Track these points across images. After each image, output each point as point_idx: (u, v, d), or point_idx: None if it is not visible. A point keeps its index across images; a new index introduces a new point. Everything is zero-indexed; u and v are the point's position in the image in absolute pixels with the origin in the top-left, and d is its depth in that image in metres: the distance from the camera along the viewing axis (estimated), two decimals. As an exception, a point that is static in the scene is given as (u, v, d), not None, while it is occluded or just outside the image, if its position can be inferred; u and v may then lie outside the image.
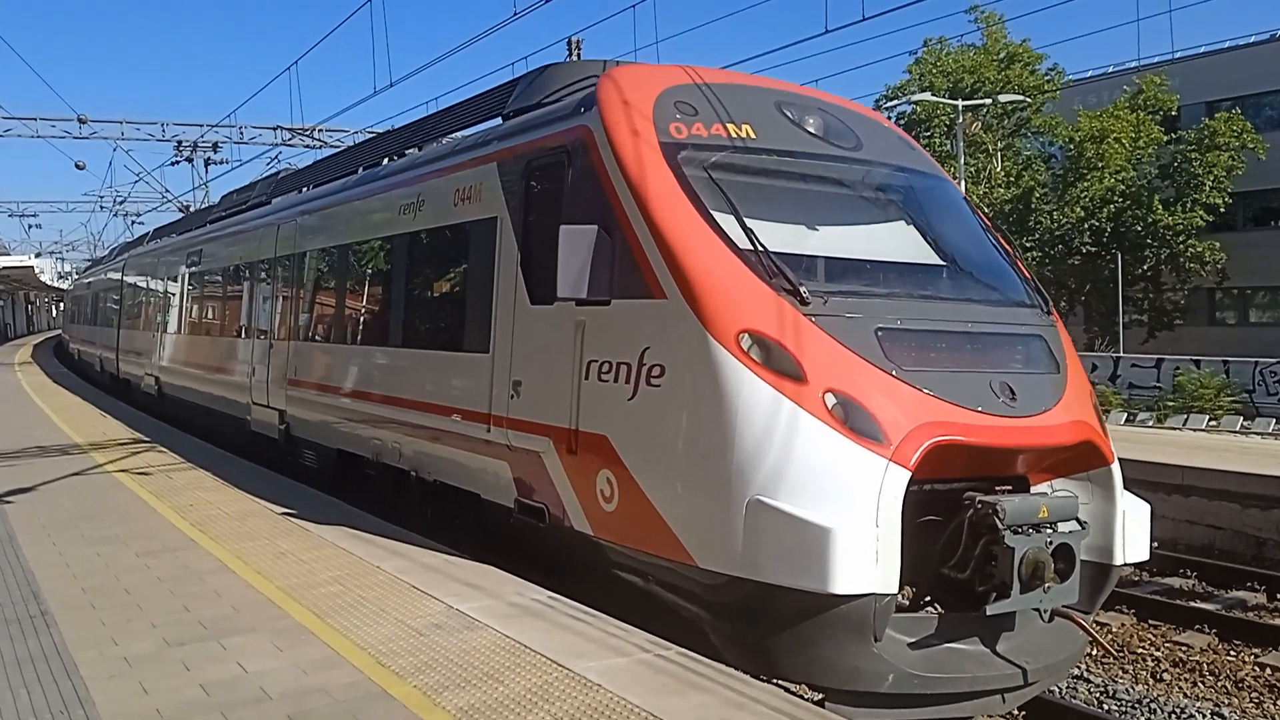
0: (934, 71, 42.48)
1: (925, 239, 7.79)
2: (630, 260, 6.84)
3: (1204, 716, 8.11)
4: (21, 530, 9.07)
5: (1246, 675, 9.00)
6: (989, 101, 38.69)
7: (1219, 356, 30.56)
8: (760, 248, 6.57)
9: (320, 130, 31.64)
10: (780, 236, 6.86)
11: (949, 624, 6.31)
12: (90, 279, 39.65)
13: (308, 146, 32.12)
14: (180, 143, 35.58)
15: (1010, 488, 6.50)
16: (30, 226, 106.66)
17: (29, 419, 18.93)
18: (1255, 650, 9.51)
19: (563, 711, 4.90)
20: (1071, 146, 40.04)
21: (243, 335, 15.75)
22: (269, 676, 5.41)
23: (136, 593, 7.06)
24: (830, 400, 6.04)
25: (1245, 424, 24.02)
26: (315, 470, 12.28)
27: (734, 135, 7.37)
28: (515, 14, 15.77)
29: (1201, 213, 38.06)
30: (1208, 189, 37.87)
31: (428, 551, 8.25)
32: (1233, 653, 9.54)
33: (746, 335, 6.25)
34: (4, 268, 56.15)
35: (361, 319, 12.03)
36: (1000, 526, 6.00)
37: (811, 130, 7.75)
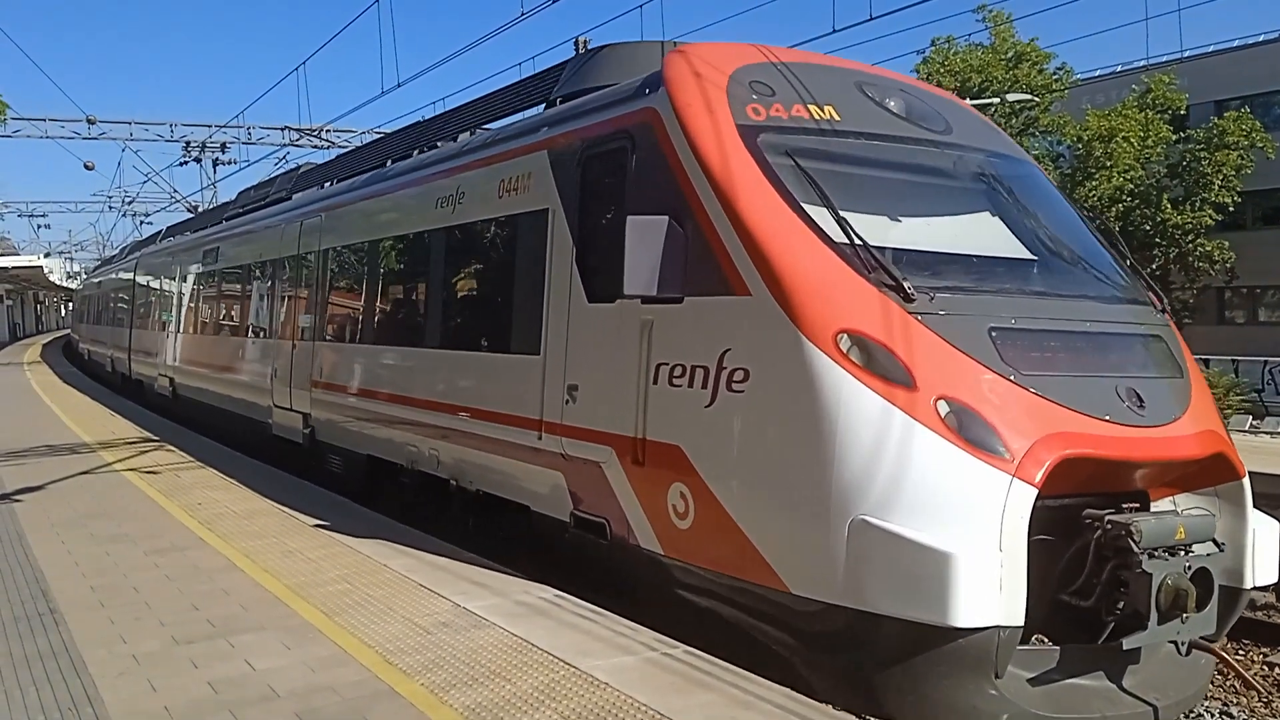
0: (941, 71, 42.34)
1: (1026, 231, 7.15)
2: (707, 253, 6.29)
3: (1212, 716, 8.08)
4: (30, 529, 9.10)
5: (1255, 674, 8.97)
6: (997, 101, 38.58)
7: (1228, 355, 30.46)
8: (857, 239, 5.99)
9: (328, 130, 31.70)
10: (874, 228, 6.23)
11: (1072, 658, 5.62)
12: (100, 278, 38.92)
13: (315, 147, 32.17)
14: (189, 143, 35.71)
15: (1135, 505, 5.86)
16: (39, 226, 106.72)
17: (38, 418, 18.99)
18: (1264, 650, 9.48)
19: (570, 710, 4.90)
20: (1080, 146, 39.89)
21: (263, 335, 15.28)
22: (277, 674, 5.42)
23: (145, 591, 7.08)
24: (943, 409, 5.45)
25: (1254, 423, 23.93)
26: (341, 476, 11.82)
27: (816, 117, 6.82)
28: (522, 14, 15.78)
29: (1210, 212, 37.92)
30: (1216, 188, 37.73)
31: (432, 551, 8.26)
32: (1241, 651, 9.50)
33: (845, 336, 5.66)
34: (13, 268, 56.35)
35: (394, 318, 11.45)
36: (1135, 549, 5.35)
37: (898, 112, 7.21)
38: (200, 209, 32.24)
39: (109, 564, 7.84)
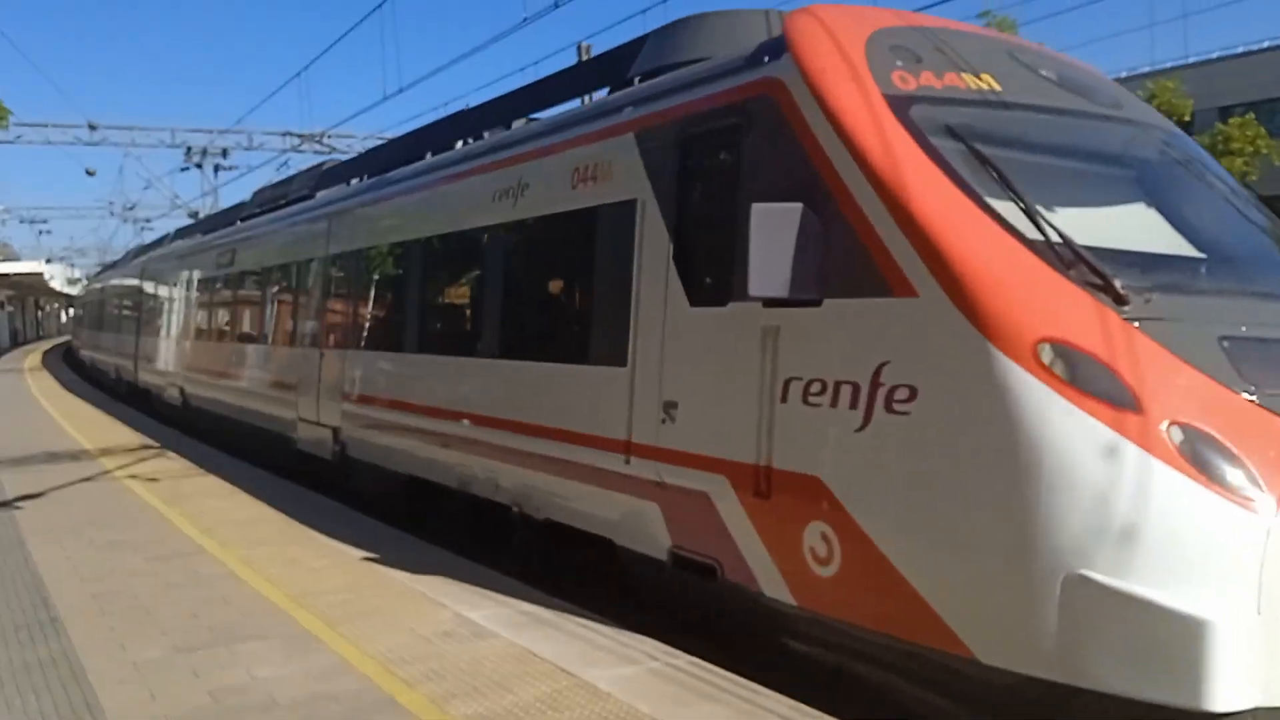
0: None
1: (1229, 222, 6.22)
2: (855, 246, 5.32)
3: None
4: (31, 535, 9.07)
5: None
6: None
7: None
8: (1049, 229, 5.04)
9: (329, 136, 31.75)
10: (1060, 216, 5.25)
11: None
12: (104, 283, 37.90)
13: (317, 152, 32.21)
14: (190, 149, 35.80)
15: None
16: (41, 232, 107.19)
17: (39, 424, 18.98)
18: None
19: (573, 720, 4.87)
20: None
21: (287, 343, 14.31)
22: (278, 683, 5.39)
23: (145, 598, 7.05)
24: (1177, 436, 4.43)
25: None
26: (375, 497, 10.97)
27: (973, 87, 5.94)
28: (525, 19, 15.88)
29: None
30: (1219, 194, 37.76)
31: (435, 560, 8.23)
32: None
33: (1048, 346, 4.65)
34: (14, 274, 56.41)
35: (442, 325, 10.37)
36: None
37: (1061, 83, 6.32)
38: (201, 214, 32.18)
39: (109, 571, 7.81)
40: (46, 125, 33.34)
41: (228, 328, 17.93)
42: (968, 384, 4.78)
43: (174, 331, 21.66)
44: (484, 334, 9.08)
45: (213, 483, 12.10)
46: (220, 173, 37.52)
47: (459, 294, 10.26)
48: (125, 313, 28.80)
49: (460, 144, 10.84)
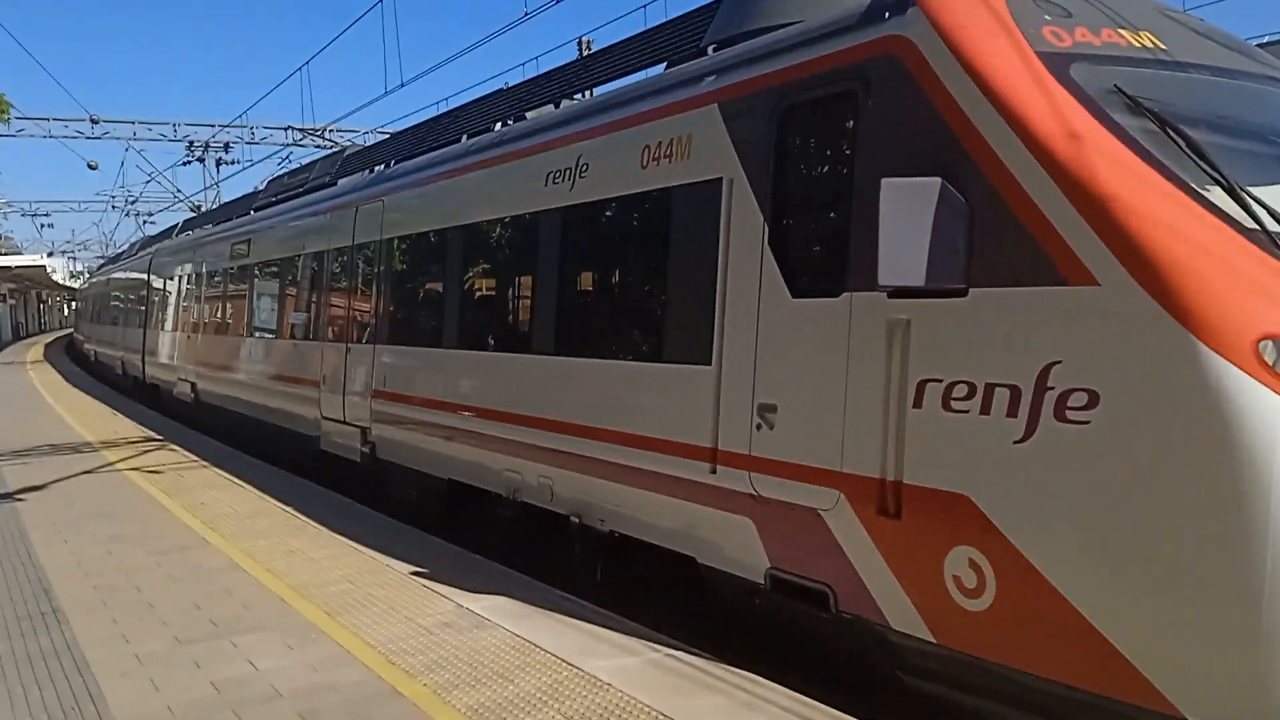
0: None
1: None
2: (1013, 226, 4.61)
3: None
4: (33, 528, 9.10)
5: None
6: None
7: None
8: (1260, 209, 4.40)
9: (331, 130, 31.71)
10: (1269, 196, 4.60)
11: None
12: (109, 275, 36.42)
13: (319, 147, 32.18)
14: (192, 143, 35.79)
15: None
16: (42, 226, 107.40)
17: (41, 417, 19.00)
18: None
19: (573, 711, 4.89)
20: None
21: (309, 337, 13.39)
22: (279, 674, 5.42)
23: (147, 590, 7.08)
24: None
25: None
26: (408, 501, 10.34)
27: (1136, 45, 5.27)
28: (526, 14, 15.86)
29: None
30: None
31: (437, 550, 8.26)
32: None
33: (1272, 344, 3.97)
34: (16, 267, 56.43)
35: (489, 318, 9.44)
36: None
37: (1225, 44, 5.68)
38: (203, 208, 32.14)
39: (111, 563, 7.84)
40: (48, 119, 33.34)
41: (243, 321, 16.82)
42: (1169, 388, 4.04)
43: (184, 325, 20.85)
44: (535, 329, 8.26)
45: (215, 475, 12.13)
46: (222, 167, 37.53)
47: (507, 285, 9.28)
48: (132, 305, 27.94)
49: (498, 126, 10.15)
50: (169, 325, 22.29)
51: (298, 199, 15.54)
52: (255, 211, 18.07)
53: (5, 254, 63.72)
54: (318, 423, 12.48)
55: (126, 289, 29.53)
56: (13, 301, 72.14)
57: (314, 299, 13.42)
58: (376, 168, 13.06)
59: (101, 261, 51.97)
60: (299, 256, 14.18)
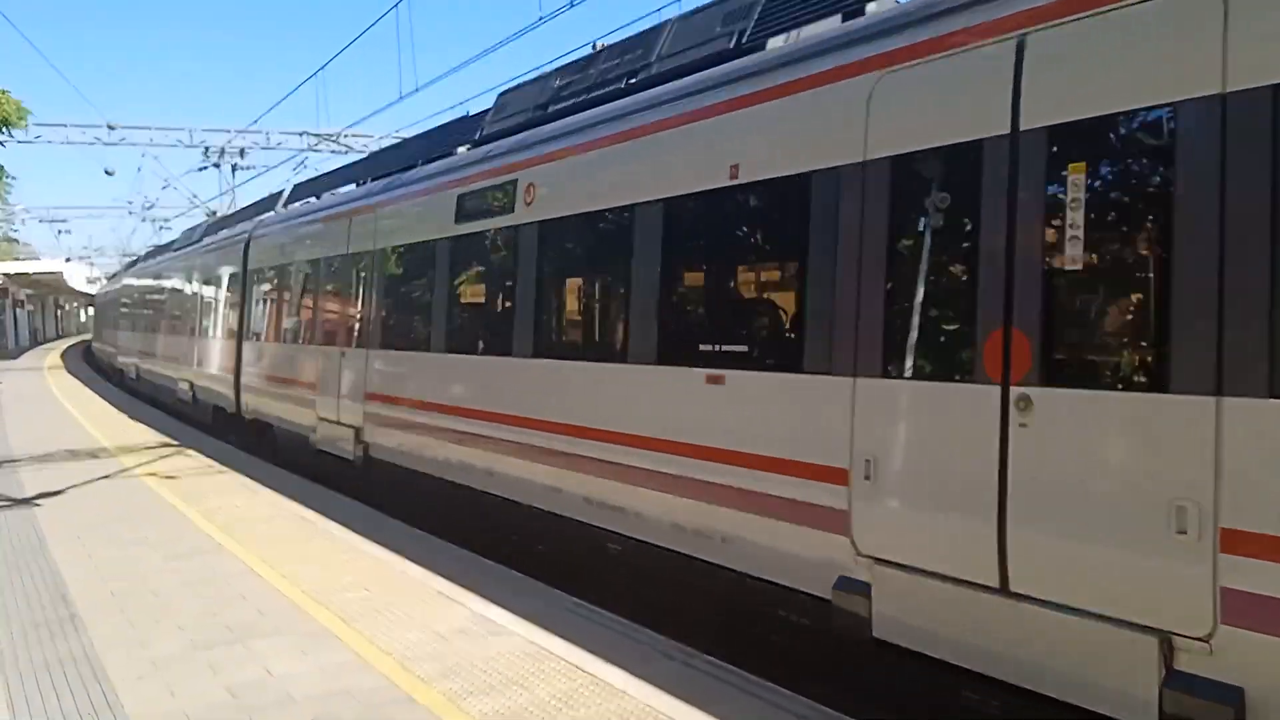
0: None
1: None
2: None
3: None
4: (51, 533, 9.14)
5: None
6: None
7: None
8: None
9: (346, 135, 31.82)
10: None
11: None
12: (158, 267, 28.49)
13: (334, 152, 32.31)
14: (208, 148, 35.91)
15: None
16: (60, 232, 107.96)
17: (58, 422, 19.10)
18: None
19: (587, 718, 4.87)
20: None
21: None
22: (294, 680, 5.42)
23: (164, 595, 7.09)
24: None
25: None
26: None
27: None
28: (540, 17, 15.87)
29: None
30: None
31: (452, 556, 8.26)
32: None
33: None
34: (34, 273, 56.82)
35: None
36: None
37: None
38: (219, 214, 32.13)
39: (128, 568, 7.86)
40: (65, 125, 33.44)
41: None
42: None
43: (360, 336, 12.28)
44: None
45: (231, 480, 12.17)
46: (238, 172, 37.67)
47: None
48: (208, 307, 20.20)
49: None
50: (300, 336, 14.50)
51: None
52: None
53: (23, 260, 64.19)
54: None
55: (197, 283, 21.56)
56: (31, 308, 72.61)
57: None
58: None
59: (130, 260, 48.40)
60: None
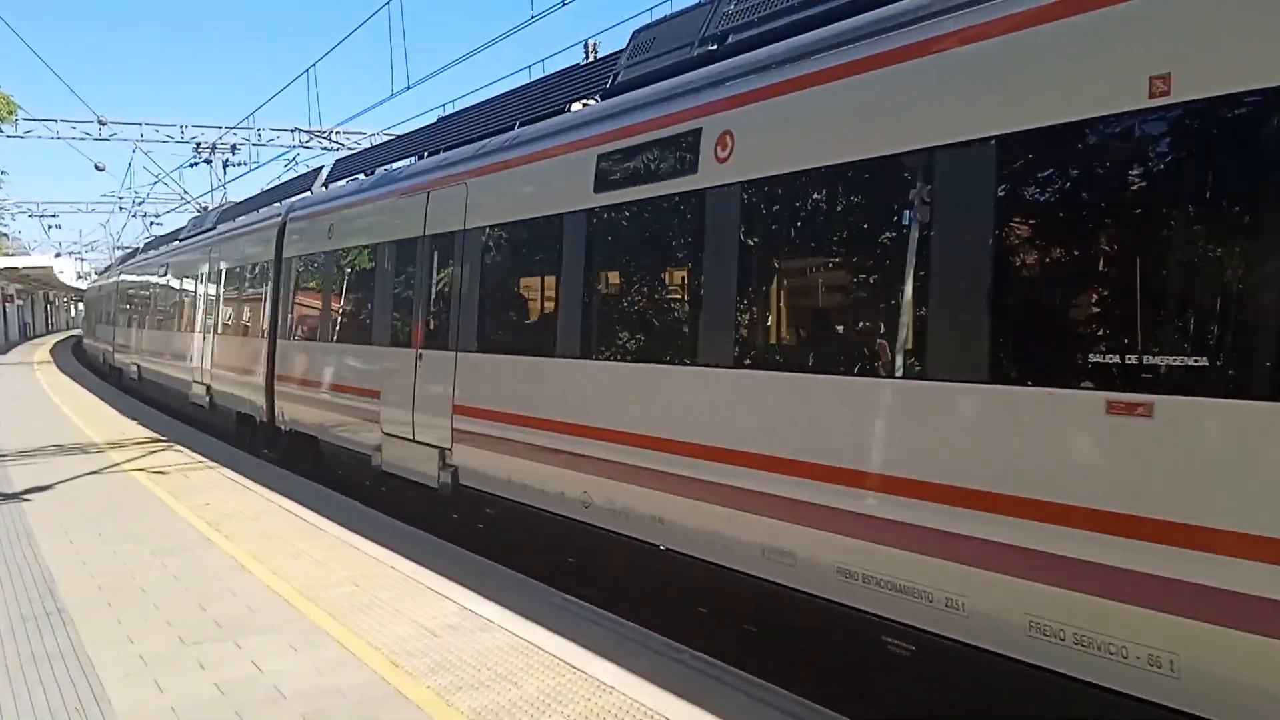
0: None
1: None
2: None
3: None
4: (39, 528, 9.12)
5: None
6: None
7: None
8: None
9: (337, 132, 31.75)
10: None
11: None
12: (169, 256, 25.01)
13: (325, 148, 32.25)
14: (199, 144, 35.80)
15: None
16: (50, 227, 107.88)
17: (47, 417, 19.04)
18: None
19: (576, 714, 4.88)
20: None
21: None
22: (284, 676, 5.42)
23: (152, 591, 7.08)
24: None
25: None
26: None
27: None
28: (533, 16, 15.87)
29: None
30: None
31: (442, 552, 8.26)
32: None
33: None
34: (24, 268, 56.57)
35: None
36: None
37: None
38: (209, 209, 31.97)
39: (117, 564, 7.85)
40: (56, 120, 33.32)
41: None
42: None
43: (455, 332, 10.20)
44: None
45: (220, 476, 12.15)
46: (229, 168, 37.54)
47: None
48: (232, 299, 18.00)
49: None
50: (357, 333, 12.28)
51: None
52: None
53: (13, 255, 63.92)
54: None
55: (216, 274, 19.07)
56: (20, 302, 72.33)
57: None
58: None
59: (126, 252, 45.02)
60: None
